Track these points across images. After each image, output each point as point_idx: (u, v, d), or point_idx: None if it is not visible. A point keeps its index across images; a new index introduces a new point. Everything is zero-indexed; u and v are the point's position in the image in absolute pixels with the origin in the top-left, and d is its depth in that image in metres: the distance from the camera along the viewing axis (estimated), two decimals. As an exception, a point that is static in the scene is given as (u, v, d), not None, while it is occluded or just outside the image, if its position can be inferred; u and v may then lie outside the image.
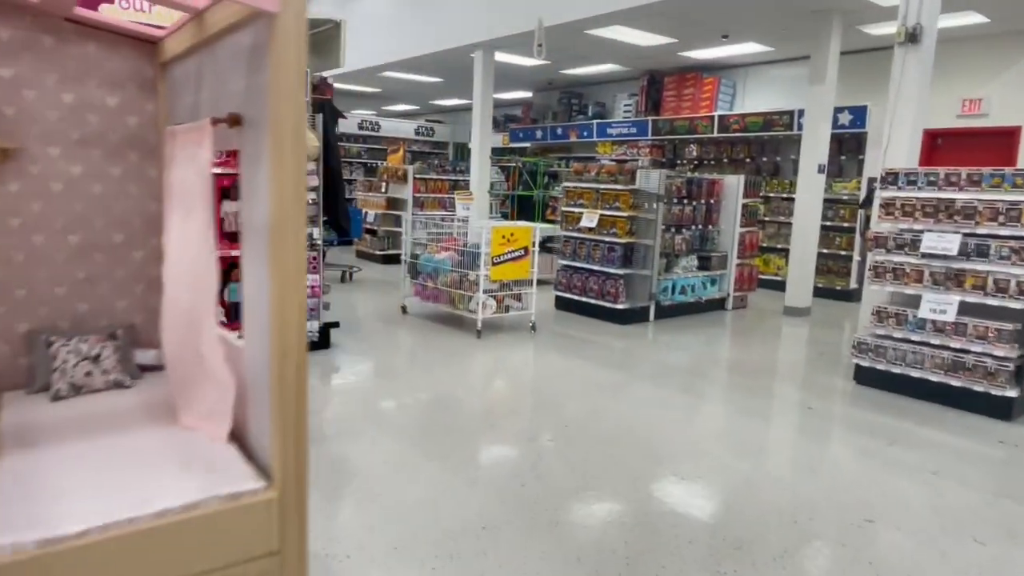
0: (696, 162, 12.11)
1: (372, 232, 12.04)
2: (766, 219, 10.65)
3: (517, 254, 6.70)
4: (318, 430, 4.12)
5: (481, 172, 11.02)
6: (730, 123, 11.12)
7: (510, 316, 7.03)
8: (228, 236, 5.40)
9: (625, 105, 13.27)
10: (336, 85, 16.34)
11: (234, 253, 5.39)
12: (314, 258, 5.65)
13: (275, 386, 1.77)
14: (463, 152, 12.69)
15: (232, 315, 5.48)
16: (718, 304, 8.75)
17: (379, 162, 13.48)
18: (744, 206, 8.69)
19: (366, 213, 12.21)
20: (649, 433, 4.31)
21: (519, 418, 4.52)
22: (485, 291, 6.72)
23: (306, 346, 1.80)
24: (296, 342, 1.78)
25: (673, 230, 8.04)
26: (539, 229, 7.13)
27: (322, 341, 5.86)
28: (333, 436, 4.06)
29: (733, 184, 8.63)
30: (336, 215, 5.79)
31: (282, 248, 1.73)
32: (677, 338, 7.13)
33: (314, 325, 5.74)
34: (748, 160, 11.32)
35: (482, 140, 11.12)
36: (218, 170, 5.24)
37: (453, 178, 12.39)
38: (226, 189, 5.37)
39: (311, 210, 5.61)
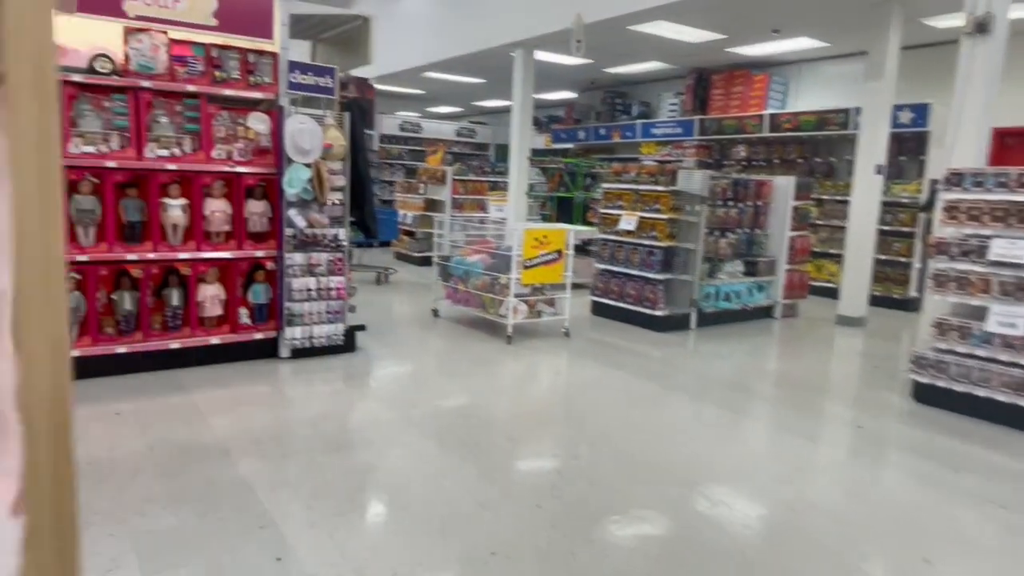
0: (745, 163, 11.63)
1: (410, 234, 11.94)
2: (819, 223, 10.14)
3: (550, 257, 6.44)
4: (331, 438, 3.94)
5: (519, 173, 10.80)
6: (781, 122, 10.63)
7: (543, 321, 6.78)
8: (253, 236, 5.31)
9: (671, 104, 12.88)
10: (377, 86, 16.41)
11: (259, 254, 5.29)
12: (339, 260, 5.50)
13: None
14: (504, 153, 12.48)
15: (257, 316, 5.39)
16: (765, 312, 8.32)
17: (420, 163, 13.40)
18: (795, 209, 8.23)
19: (405, 215, 12.12)
20: (684, 452, 4.00)
21: (544, 432, 4.27)
22: (516, 295, 6.49)
23: (67, 395, 1.59)
24: (49, 390, 1.56)
25: (717, 233, 7.66)
26: (574, 232, 6.86)
27: (347, 344, 5.71)
28: (343, 446, 3.88)
29: (783, 185, 8.19)
30: (363, 216, 5.64)
31: (25, 259, 1.46)
32: (719, 348, 6.76)
33: (339, 328, 5.60)
34: (800, 161, 10.80)
35: (521, 141, 10.89)
36: (243, 169, 5.15)
37: (492, 179, 12.21)
38: (250, 188, 5.27)
39: (337, 211, 5.47)
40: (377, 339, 6.32)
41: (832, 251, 10.13)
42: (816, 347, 7.10)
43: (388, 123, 14.76)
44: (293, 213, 5.23)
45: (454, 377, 5.33)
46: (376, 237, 5.83)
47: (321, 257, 5.43)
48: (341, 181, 5.43)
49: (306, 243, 5.37)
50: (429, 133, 15.25)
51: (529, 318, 6.56)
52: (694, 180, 7.19)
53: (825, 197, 10.18)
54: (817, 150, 10.63)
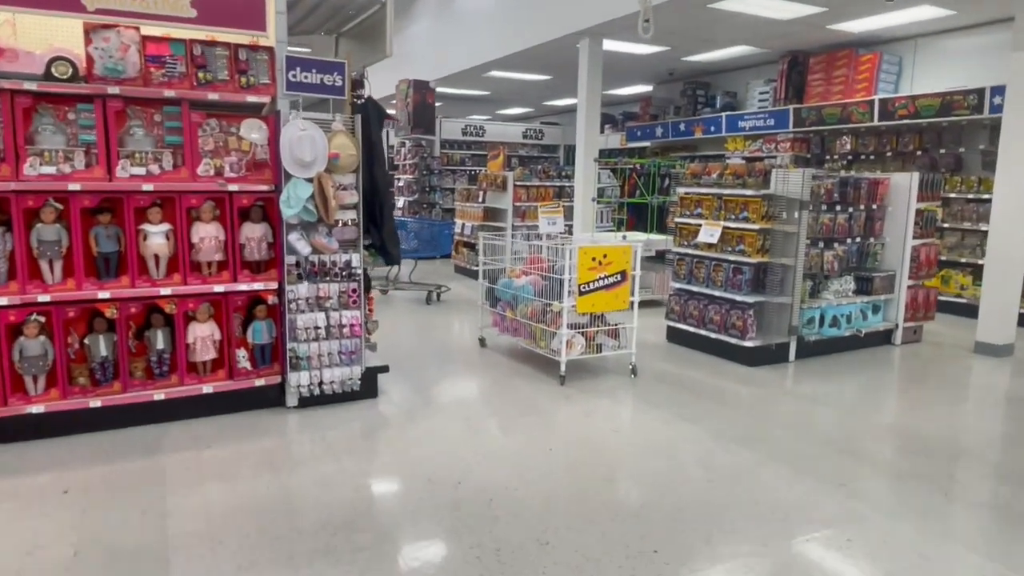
0: (850, 157, 10.05)
1: (470, 246, 11.03)
2: (945, 226, 8.50)
3: (611, 280, 5.33)
4: (309, 535, 3.02)
5: (586, 177, 9.68)
6: (895, 108, 9.02)
7: (604, 357, 5.66)
8: (251, 266, 4.49)
9: (760, 93, 11.40)
10: (442, 89, 15.67)
11: (257, 286, 4.47)
12: (354, 291, 4.61)
13: None
14: (575, 156, 11.41)
15: (258, 359, 4.57)
16: (883, 338, 6.86)
17: (483, 169, 12.51)
18: (918, 212, 6.74)
19: (463, 225, 11.24)
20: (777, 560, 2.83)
21: (587, 531, 3.19)
22: (570, 326, 5.41)
23: None
24: None
25: (821, 245, 6.31)
26: (648, 241, 5.71)
27: (365, 389, 4.82)
28: (321, 552, 2.94)
29: (903, 184, 6.72)
30: (381, 238, 4.73)
31: None
32: (826, 389, 5.44)
33: (355, 371, 4.71)
34: (919, 153, 9.15)
35: (587, 140, 9.79)
36: (236, 187, 4.34)
37: (559, 184, 11.15)
38: (246, 209, 4.45)
39: (350, 233, 4.58)
40: (406, 379, 5.40)
41: (962, 260, 8.48)
42: (952, 388, 5.64)
43: (449, 127, 13.96)
44: (294, 238, 4.37)
45: (485, 437, 4.32)
46: (397, 263, 4.90)
47: (331, 288, 4.56)
48: (353, 198, 4.53)
49: (312, 273, 4.50)
50: (493, 136, 14.34)
51: (587, 353, 5.47)
52: (791, 181, 5.88)
53: (952, 195, 8.53)
54: (941, 140, 8.96)
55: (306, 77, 4.40)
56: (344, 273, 4.58)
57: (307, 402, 4.64)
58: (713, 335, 6.22)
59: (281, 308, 4.51)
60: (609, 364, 5.85)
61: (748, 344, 5.93)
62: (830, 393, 5.34)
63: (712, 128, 12.09)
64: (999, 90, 7.85)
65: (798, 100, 10.68)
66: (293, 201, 4.24)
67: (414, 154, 13.37)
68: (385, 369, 4.94)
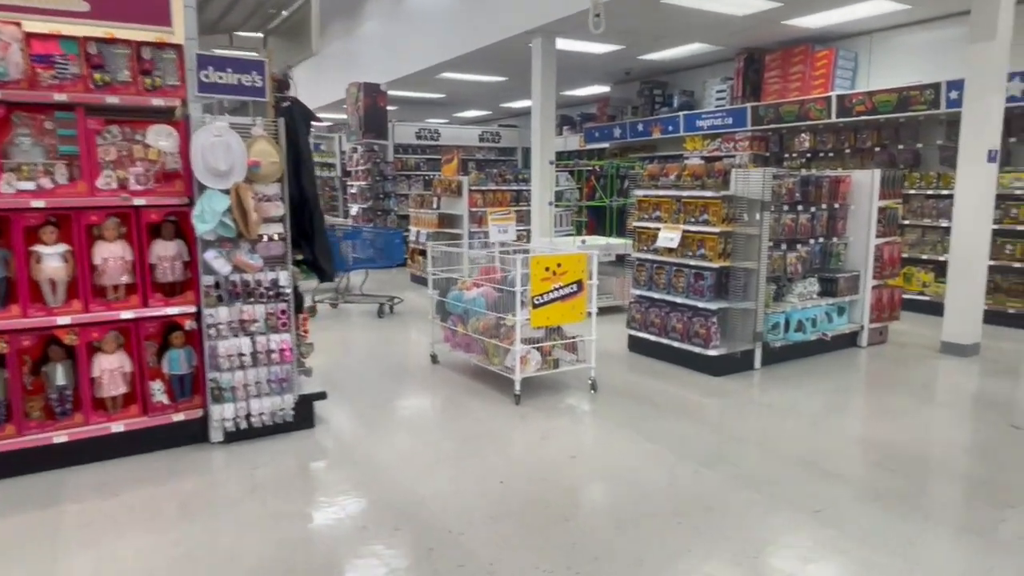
0: (808, 155, 9.92)
1: (424, 253, 10.61)
2: (905, 223, 8.39)
3: (567, 291, 4.99)
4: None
5: (543, 180, 9.36)
6: (853, 104, 8.90)
7: (563, 372, 5.32)
8: (164, 288, 4.03)
9: (718, 92, 11.24)
10: (395, 92, 15.21)
11: (172, 311, 4.02)
12: (283, 312, 4.18)
13: None
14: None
15: (177, 392, 4.11)
16: (849, 340, 6.66)
17: (438, 174, 12.12)
18: (881, 209, 6.57)
19: (418, 232, 10.83)
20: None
21: (542, 577, 2.83)
22: (525, 341, 5.06)
23: None
24: None
25: (784, 246, 6.07)
26: (596, 254, 5.42)
27: (301, 419, 4.39)
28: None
29: (864, 181, 6.54)
30: (313, 252, 4.31)
31: None
32: (794, 397, 5.18)
33: (287, 400, 4.27)
34: (878, 149, 9.04)
35: (543, 142, 9.46)
36: (144, 201, 3.89)
37: (516, 188, 10.82)
38: (156, 226, 4.00)
39: (276, 248, 4.15)
40: (349, 403, 4.99)
41: (923, 256, 8.37)
42: (921, 393, 5.43)
43: (403, 131, 13.52)
44: (211, 256, 3.93)
45: (431, 470, 3.93)
46: (332, 279, 4.48)
47: (256, 310, 4.12)
48: (278, 209, 4.11)
49: (234, 294, 4.07)
50: (448, 140, 13.94)
51: (543, 370, 5.12)
52: (752, 180, 5.63)
53: (912, 192, 8.42)
54: (898, 136, 8.87)
55: (220, 77, 3.97)
56: (271, 293, 4.14)
57: (234, 436, 4.19)
58: (676, 344, 5.93)
59: (200, 334, 4.06)
60: (568, 379, 5.51)
61: (712, 353, 5.65)
62: (798, 403, 5.08)
63: (670, 128, 11.89)
64: (955, 84, 7.77)
65: (756, 98, 10.53)
66: (208, 215, 3.80)
67: (366, 160, 12.90)
68: (322, 396, 4.51)
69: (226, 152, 3.82)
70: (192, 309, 4.03)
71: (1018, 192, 7.44)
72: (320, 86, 17.20)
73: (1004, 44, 5.95)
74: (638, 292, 6.40)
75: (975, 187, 6.20)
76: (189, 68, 3.91)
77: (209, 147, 3.79)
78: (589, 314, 5.16)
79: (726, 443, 4.26)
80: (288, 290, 4.18)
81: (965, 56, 6.16)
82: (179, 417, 4.09)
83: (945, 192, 8.12)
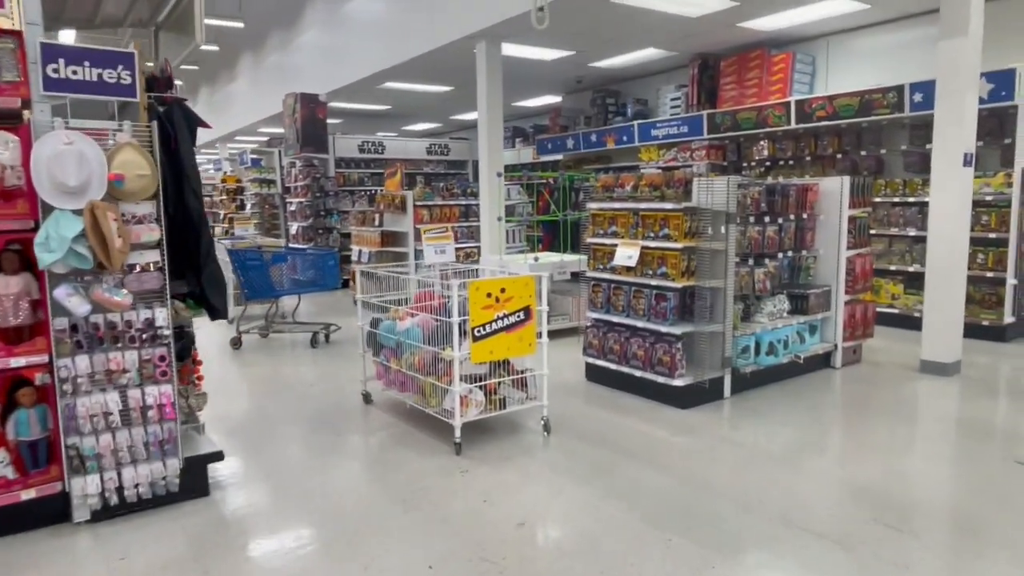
0: (768, 163, 9.52)
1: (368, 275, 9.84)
2: (872, 232, 7.97)
3: (512, 320, 4.33)
4: None
5: (491, 194, 8.72)
6: (813, 110, 8.52)
7: (512, 412, 4.64)
8: (6, 334, 3.24)
9: (672, 100, 10.80)
10: (338, 104, 14.45)
11: (17, 362, 3.22)
12: (161, 359, 3.41)
13: None
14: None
15: (29, 462, 3.31)
16: (822, 361, 6.16)
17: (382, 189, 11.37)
18: (851, 219, 6.10)
19: (360, 252, 10.07)
20: None
21: None
22: (467, 378, 4.38)
23: None
24: None
25: (751, 261, 5.54)
26: (546, 276, 4.78)
27: (192, 487, 3.62)
28: None
29: (833, 190, 6.07)
30: (200, 283, 3.56)
31: None
32: (768, 434, 4.60)
33: (171, 465, 3.50)
34: (839, 156, 8.67)
35: (491, 153, 8.83)
36: (-26, 225, 3.08)
37: (465, 202, 10.16)
38: (-8, 256, 3.20)
39: (151, 281, 3.39)
40: (258, 460, 4.22)
41: (892, 267, 7.98)
42: (908, 422, 4.92)
43: (344, 144, 12.75)
44: (63, 293, 3.15)
45: (346, 558, 3.20)
46: (224, 315, 3.72)
47: (127, 358, 3.35)
48: (153, 233, 3.35)
49: (96, 338, 3.29)
50: (394, 152, 13.21)
51: (488, 411, 4.43)
52: (716, 191, 5.07)
53: (877, 199, 8.03)
54: (860, 141, 8.51)
55: (75, 72, 3.21)
56: (146, 336, 3.38)
57: (104, 514, 3.40)
58: (638, 373, 5.32)
59: (53, 390, 3.27)
60: (518, 418, 4.84)
61: (678, 383, 5.05)
62: (773, 440, 4.50)
63: (624, 138, 11.41)
64: (919, 86, 7.43)
65: (711, 105, 10.11)
66: (54, 243, 3.03)
67: (305, 175, 12.09)
68: (218, 457, 3.74)
69: (79, 164, 3.06)
70: (43, 359, 3.24)
71: (988, 198, 7.09)
72: (260, 98, 16.35)
73: (976, 40, 5.56)
74: (595, 315, 5.78)
75: (951, 193, 5.78)
76: (32, 61, 3.15)
77: (56, 158, 3.03)
78: (540, 345, 4.50)
79: (699, 498, 3.63)
80: (167, 331, 3.41)
81: (935, 53, 5.74)
82: (30, 494, 3.28)
83: (912, 199, 7.76)
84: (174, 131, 3.44)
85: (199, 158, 27.79)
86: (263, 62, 17.18)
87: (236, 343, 7.45)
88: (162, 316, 3.40)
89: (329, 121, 16.59)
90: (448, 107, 15.24)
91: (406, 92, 12.87)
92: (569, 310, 7.88)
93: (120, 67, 3.31)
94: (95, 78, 3.26)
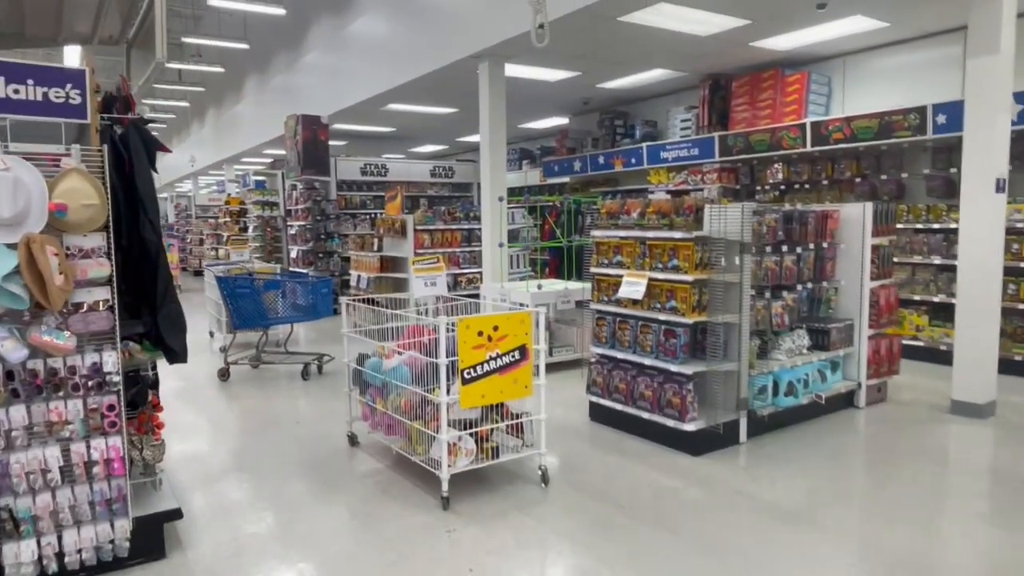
0: (783, 187, 9.14)
1: (368, 302, 9.51)
2: (894, 260, 7.56)
3: (506, 360, 3.95)
4: None
5: (493, 219, 8.39)
6: (829, 132, 8.15)
7: (505, 461, 4.24)
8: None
9: (682, 121, 10.47)
10: (342, 126, 14.25)
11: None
12: (110, 408, 3.05)
13: None
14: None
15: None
16: (845, 400, 5.73)
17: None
18: (874, 248, 5.70)
19: (359, 277, 9.75)
20: None
21: None
22: (455, 423, 3.99)
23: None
24: None
25: (768, 294, 5.14)
26: (543, 313, 4.41)
27: (145, 549, 3.24)
28: None
29: (855, 216, 5.67)
30: (156, 323, 3.21)
31: None
32: (789, 485, 4.17)
33: (120, 527, 3.12)
34: (858, 180, 8.28)
35: (493, 176, 8.51)
36: (-101, 260, 2.75)
37: (468, 227, 9.84)
38: (-82, 294, 2.85)
39: (99, 321, 3.04)
40: (226, 515, 3.83)
41: (916, 297, 7.54)
42: (940, 470, 4.48)
43: (346, 167, 12.51)
44: (-5, 336, 2.81)
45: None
46: (183, 359, 3.36)
47: (70, 408, 2.99)
48: (102, 268, 3.00)
49: (34, 386, 2.94)
50: (397, 175, 12.95)
51: (479, 462, 4.04)
52: (729, 218, 4.70)
53: (899, 225, 7.62)
54: (880, 165, 8.12)
55: (16, 91, 2.90)
56: (92, 383, 3.02)
57: (41, 583, 3.02)
58: (646, 415, 4.91)
59: (-15, 444, 2.92)
60: (514, 465, 4.44)
61: (689, 428, 4.63)
62: (794, 493, 4.07)
63: (633, 160, 11.08)
64: (943, 108, 7.05)
65: (723, 127, 9.77)
66: (-16, 281, 2.69)
67: (306, 197, 11.83)
68: (176, 515, 3.37)
69: (13, 192, 2.74)
70: (-26, 410, 2.89)
71: (1019, 225, 6.67)
72: (265, 120, 16.19)
73: (1008, 58, 5.19)
74: (599, 351, 5.39)
75: (982, 221, 5.37)
76: (-34, 78, 2.84)
77: (-13, 185, 2.71)
78: (536, 387, 4.11)
79: (713, 569, 3.21)
80: (116, 377, 3.06)
81: (964, 72, 5.38)
82: (-46, 562, 2.91)
83: (937, 226, 7.35)
84: (129, 155, 3.11)
85: (208, 179, 27.79)
86: (268, 83, 17.08)
87: (224, 374, 7.10)
88: (111, 361, 3.05)
89: (335, 143, 16.44)
90: (453, 129, 15.01)
91: (410, 114, 12.64)
92: (573, 341, 7.48)
93: (69, 86, 2.99)
94: (40, 97, 2.95)
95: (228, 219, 16.84)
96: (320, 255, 11.83)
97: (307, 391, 6.74)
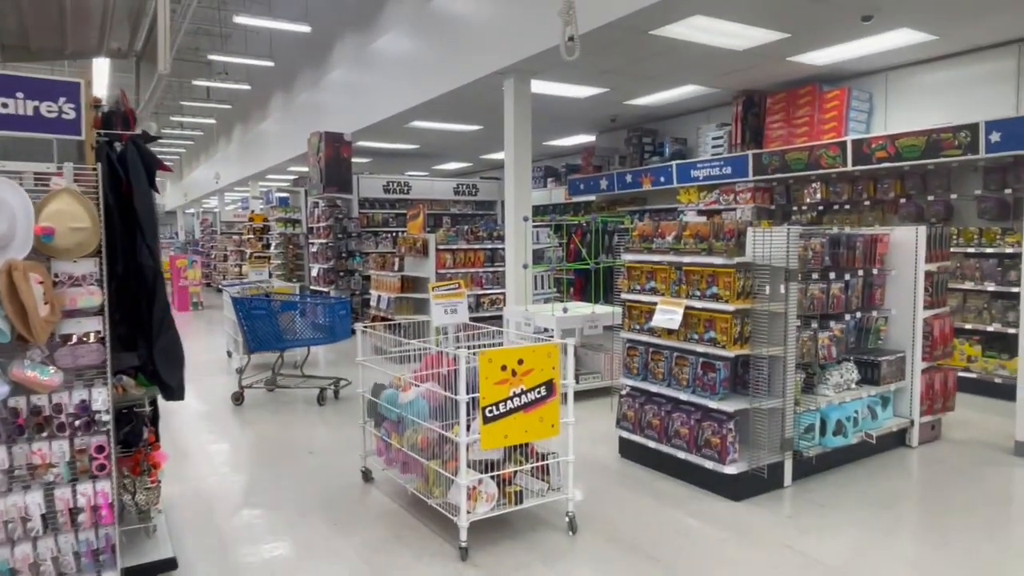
0: (820, 207, 8.74)
1: (388, 321, 9.26)
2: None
3: (532, 397, 3.63)
4: None
5: (517, 239, 8.10)
6: (872, 150, 7.75)
7: (529, 507, 3.90)
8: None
9: (713, 139, 10.12)
10: (366, 143, 14.12)
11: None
12: (99, 449, 2.79)
13: None
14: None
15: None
16: (896, 439, 5.30)
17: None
18: (927, 275, 5.30)
19: (379, 297, 9.51)
20: None
21: None
22: (476, 465, 3.68)
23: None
24: None
25: (814, 324, 4.76)
26: (595, 315, 4.10)
27: (133, 605, 2.96)
28: None
29: (906, 241, 5.28)
30: (152, 356, 2.96)
31: None
32: (840, 537, 3.77)
33: (107, 581, 2.85)
34: (903, 201, 7.85)
35: (518, 195, 8.24)
36: None
37: (491, 247, 9.56)
38: None
39: (88, 355, 2.79)
40: (225, 562, 3.54)
41: (967, 326, 7.08)
42: (1007, 522, 4.05)
43: (368, 184, 12.34)
44: (-26, 372, 2.57)
45: None
46: (180, 396, 3.09)
47: (55, 449, 2.74)
48: (93, 297, 2.76)
49: (16, 426, 2.69)
50: (420, 193, 12.75)
51: (501, 508, 3.71)
52: (774, 243, 4.35)
53: (951, 249, 7.17)
54: (926, 185, 7.69)
55: (3, 105, 2.68)
56: (80, 421, 2.77)
57: (19, 642, 2.75)
58: (681, 454, 4.54)
59: (-39, 489, 2.67)
60: (539, 509, 4.10)
61: (730, 470, 4.26)
62: (845, 547, 3.67)
63: (662, 179, 10.74)
64: (997, 125, 6.64)
65: (756, 145, 9.41)
66: (-40, 312, 2.45)
67: (328, 215, 11.67)
68: (171, 564, 3.09)
69: (-5, 214, 2.50)
70: (-49, 451, 2.65)
71: (1083, 251, 6.21)
72: (290, 137, 16.17)
73: (1076, 71, 4.80)
74: (630, 382, 5.05)
75: (1049, 247, 4.94)
76: (-48, 91, 2.63)
77: (-32, 207, 2.48)
78: (564, 425, 3.78)
79: (766, 640, 2.84)
80: (107, 416, 2.80)
81: (1006, 95, 4.99)
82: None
83: (990, 250, 6.90)
84: (126, 174, 2.88)
85: (234, 195, 27.94)
86: (293, 101, 17.08)
87: (238, 398, 6.87)
88: (101, 398, 2.79)
89: (358, 160, 16.37)
90: (478, 146, 14.82)
91: (433, 131, 12.47)
92: (601, 368, 7.13)
93: (62, 99, 2.77)
94: (30, 112, 2.73)
95: (252, 236, 16.80)
96: (341, 273, 11.64)
97: (322, 417, 6.47)
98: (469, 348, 4.25)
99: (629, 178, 11.41)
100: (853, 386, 5.01)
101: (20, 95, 2.72)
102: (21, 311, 2.51)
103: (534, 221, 8.72)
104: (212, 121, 24.58)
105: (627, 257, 5.14)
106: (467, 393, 3.53)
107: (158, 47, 3.02)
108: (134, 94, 3.96)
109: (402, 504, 4.28)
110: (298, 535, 3.91)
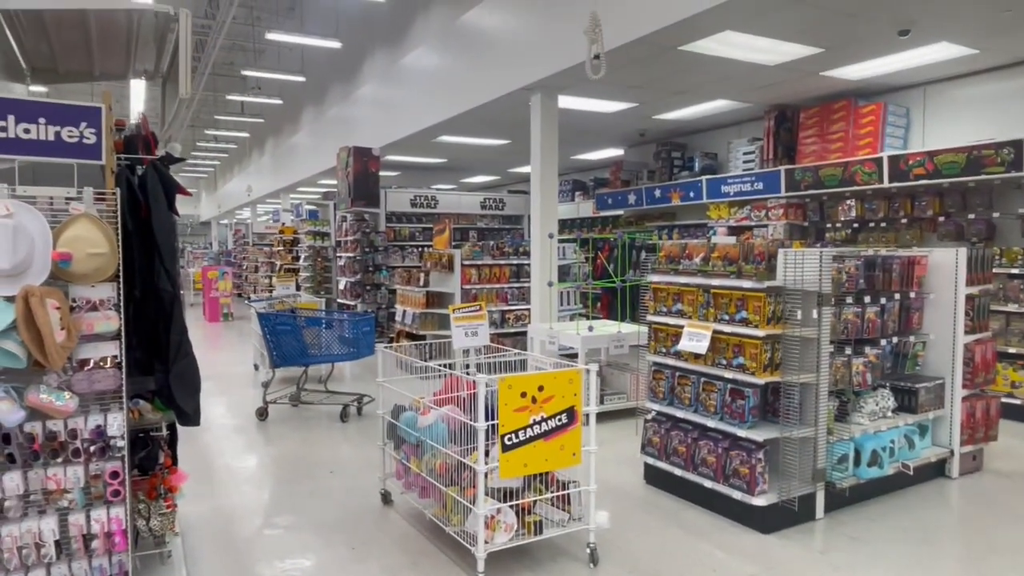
0: (855, 225, 8.51)
1: (414, 337, 9.25)
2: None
3: (553, 425, 3.54)
4: None
5: (543, 256, 8.02)
6: (909, 167, 7.52)
7: (549, 537, 3.79)
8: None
9: (745, 154, 9.95)
10: (393, 157, 14.21)
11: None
12: (113, 475, 2.77)
13: None
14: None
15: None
16: (935, 470, 5.08)
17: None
18: (968, 298, 5.08)
19: (404, 312, 9.50)
20: None
21: None
22: (494, 493, 3.59)
23: None
24: None
25: (848, 350, 4.59)
26: (595, 370, 4.01)
27: (146, 633, 2.93)
28: None
29: (946, 263, 5.08)
30: (167, 380, 2.94)
31: None
32: (872, 573, 3.60)
33: (120, 608, 2.82)
34: (942, 219, 7.60)
35: (544, 210, 8.17)
36: None
37: (516, 262, 9.49)
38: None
39: (104, 380, 2.78)
40: (243, 587, 3.50)
41: (1011, 350, 6.80)
42: (1065, 565, 3.82)
43: (396, 198, 12.38)
44: (-10, 397, 2.57)
45: None
46: (195, 421, 3.07)
47: (70, 475, 2.72)
48: (110, 323, 2.75)
49: (31, 451, 2.68)
50: (447, 207, 12.76)
51: (520, 538, 3.61)
52: (806, 265, 4.20)
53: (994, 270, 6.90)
54: (966, 203, 7.43)
55: (26, 130, 2.70)
56: (95, 447, 2.75)
57: (31, 669, 2.73)
58: (708, 483, 4.40)
59: (-23, 514, 2.67)
60: (558, 541, 3.99)
61: (759, 502, 4.11)
62: (890, 590, 3.50)
63: (691, 194, 10.58)
64: (1042, 141, 6.38)
65: (789, 160, 9.22)
66: (-22, 337, 2.46)
67: (355, 229, 11.73)
68: (184, 592, 3.06)
69: (14, 240, 2.51)
70: (-32, 475, 2.65)
71: None
72: (321, 151, 16.37)
73: None
74: (656, 407, 4.92)
75: (1100, 271, 4.71)
76: (-24, 117, 2.65)
77: (-14, 233, 2.49)
78: (586, 453, 3.68)
79: None
80: (121, 442, 2.78)
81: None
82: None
83: (1030, 271, 6.63)
84: (145, 198, 2.87)
85: (267, 207, 28.42)
86: (324, 115, 17.30)
87: (262, 414, 6.89)
88: (116, 423, 2.77)
89: (387, 174, 16.48)
90: (505, 160, 14.82)
91: (461, 145, 12.49)
92: (627, 388, 7.00)
93: (83, 124, 2.78)
94: (52, 137, 2.74)
95: (281, 248, 17.00)
96: (368, 287, 11.68)
97: (345, 434, 6.44)
98: (489, 371, 4.18)
99: (658, 193, 11.28)
100: (889, 414, 4.81)
101: (42, 120, 2.73)
102: (38, 337, 2.51)
103: (561, 236, 8.63)
104: (246, 135, 25.04)
105: (653, 278, 5.02)
106: (486, 419, 3.45)
107: (179, 71, 3.03)
108: (159, 115, 3.99)
109: (420, 529, 4.21)
110: (315, 559, 3.86)
